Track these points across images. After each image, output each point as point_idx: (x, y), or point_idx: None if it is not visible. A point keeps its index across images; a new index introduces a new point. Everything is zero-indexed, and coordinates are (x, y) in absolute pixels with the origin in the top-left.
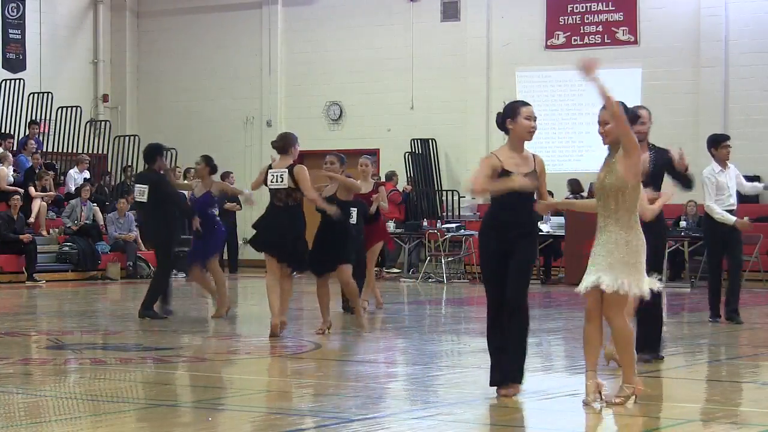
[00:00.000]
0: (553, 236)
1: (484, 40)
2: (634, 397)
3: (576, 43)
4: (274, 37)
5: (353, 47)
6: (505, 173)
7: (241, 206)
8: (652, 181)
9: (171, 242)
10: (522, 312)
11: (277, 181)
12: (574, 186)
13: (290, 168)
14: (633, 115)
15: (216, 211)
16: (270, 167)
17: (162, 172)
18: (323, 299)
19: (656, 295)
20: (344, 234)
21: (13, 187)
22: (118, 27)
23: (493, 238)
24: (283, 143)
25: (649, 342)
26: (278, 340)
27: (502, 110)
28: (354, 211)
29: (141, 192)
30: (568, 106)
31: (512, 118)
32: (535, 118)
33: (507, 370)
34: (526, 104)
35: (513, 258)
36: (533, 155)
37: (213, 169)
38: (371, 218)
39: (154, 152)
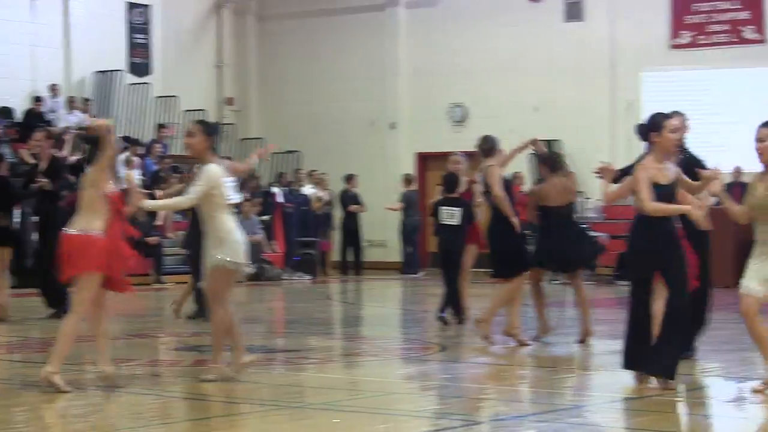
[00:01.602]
0: None
1: (607, 41)
2: None
3: (702, 42)
4: (397, 39)
5: (476, 48)
6: (657, 186)
7: (365, 209)
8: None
9: None
10: None
11: (480, 185)
12: None
13: (485, 170)
14: (654, 123)
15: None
16: None
17: None
18: (535, 301)
19: None
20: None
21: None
22: (241, 31)
23: None
24: (489, 146)
25: None
26: (406, 341)
27: (646, 121)
28: (457, 212)
29: None
30: (695, 107)
31: (657, 131)
32: (680, 128)
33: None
34: (669, 116)
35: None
36: None
37: None
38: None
39: None
